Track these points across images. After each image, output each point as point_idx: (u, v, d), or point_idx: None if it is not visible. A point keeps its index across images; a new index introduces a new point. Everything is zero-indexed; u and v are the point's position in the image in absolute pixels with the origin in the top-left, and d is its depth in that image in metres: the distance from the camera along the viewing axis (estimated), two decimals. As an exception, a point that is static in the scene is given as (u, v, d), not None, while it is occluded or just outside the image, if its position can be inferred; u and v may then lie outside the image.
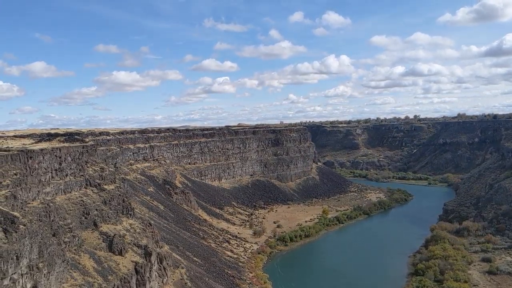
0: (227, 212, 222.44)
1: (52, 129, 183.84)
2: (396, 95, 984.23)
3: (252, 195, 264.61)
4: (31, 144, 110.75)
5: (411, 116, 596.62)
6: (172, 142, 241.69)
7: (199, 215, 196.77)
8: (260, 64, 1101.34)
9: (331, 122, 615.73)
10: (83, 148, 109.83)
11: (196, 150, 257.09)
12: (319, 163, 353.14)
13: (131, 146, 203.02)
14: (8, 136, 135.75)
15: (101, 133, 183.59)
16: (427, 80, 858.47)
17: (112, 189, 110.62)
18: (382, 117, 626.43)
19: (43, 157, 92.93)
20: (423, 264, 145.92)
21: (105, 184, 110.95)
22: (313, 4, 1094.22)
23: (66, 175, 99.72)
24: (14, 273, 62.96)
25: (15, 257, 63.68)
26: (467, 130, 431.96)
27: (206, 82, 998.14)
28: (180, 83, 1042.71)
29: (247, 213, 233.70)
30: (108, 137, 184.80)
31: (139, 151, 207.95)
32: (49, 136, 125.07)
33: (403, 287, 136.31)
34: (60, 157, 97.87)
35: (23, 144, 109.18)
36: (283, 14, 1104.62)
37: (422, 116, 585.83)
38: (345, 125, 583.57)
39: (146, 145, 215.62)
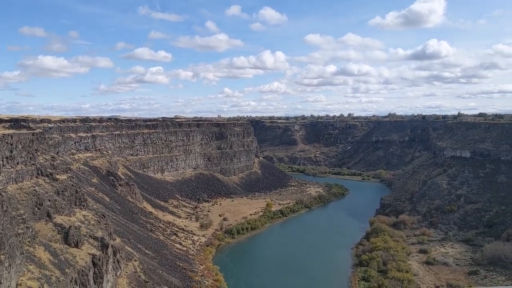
0: (172, 205, 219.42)
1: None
2: (327, 93, 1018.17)
3: (195, 188, 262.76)
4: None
5: (342, 114, 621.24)
6: (115, 132, 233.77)
7: (144, 207, 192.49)
8: (196, 56, 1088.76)
9: (270, 118, 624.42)
10: (33, 135, 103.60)
11: (139, 142, 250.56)
12: (260, 158, 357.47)
13: (73, 135, 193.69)
14: None
15: (42, 121, 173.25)
16: (356, 80, 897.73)
17: (65, 179, 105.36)
18: (315, 114, 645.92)
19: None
20: (367, 256, 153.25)
21: (57, 174, 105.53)
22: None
23: (17, 163, 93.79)
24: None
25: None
26: (398, 129, 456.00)
27: (138, 72, 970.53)
28: (110, 71, 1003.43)
29: (192, 206, 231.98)
30: (49, 125, 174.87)
31: (81, 141, 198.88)
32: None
33: (349, 277, 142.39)
34: (11, 144, 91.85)
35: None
36: (220, 6, 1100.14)
37: (354, 115, 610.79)
38: (284, 121, 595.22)
39: (88, 135, 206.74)
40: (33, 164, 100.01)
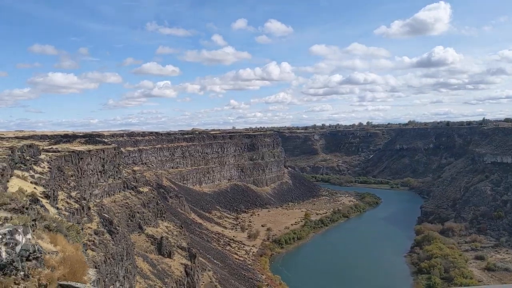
0: (216, 216, 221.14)
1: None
2: (333, 103, 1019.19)
3: (232, 199, 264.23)
4: (56, 145, 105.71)
5: (361, 123, 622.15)
6: (156, 146, 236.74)
7: (194, 219, 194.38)
8: (203, 69, 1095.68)
9: (289, 128, 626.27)
10: (114, 150, 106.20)
11: (178, 154, 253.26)
12: (289, 168, 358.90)
13: (123, 149, 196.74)
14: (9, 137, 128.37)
15: (96, 135, 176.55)
16: (362, 88, 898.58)
17: (147, 192, 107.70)
18: (319, 124, 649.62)
19: (91, 159, 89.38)
20: (426, 263, 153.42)
21: (140, 187, 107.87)
22: (256, 12, 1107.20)
23: (108, 177, 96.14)
24: (119, 275, 60.77)
25: (119, 258, 61.42)
26: (422, 137, 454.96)
27: (147, 86, 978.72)
28: (119, 86, 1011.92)
29: (233, 217, 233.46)
30: (99, 139, 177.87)
31: (129, 155, 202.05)
32: (67, 138, 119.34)
33: (412, 285, 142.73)
34: (103, 159, 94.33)
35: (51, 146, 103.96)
36: (227, 20, 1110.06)
37: (353, 123, 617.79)
38: (303, 130, 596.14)
39: (135, 149, 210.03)
40: (119, 177, 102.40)
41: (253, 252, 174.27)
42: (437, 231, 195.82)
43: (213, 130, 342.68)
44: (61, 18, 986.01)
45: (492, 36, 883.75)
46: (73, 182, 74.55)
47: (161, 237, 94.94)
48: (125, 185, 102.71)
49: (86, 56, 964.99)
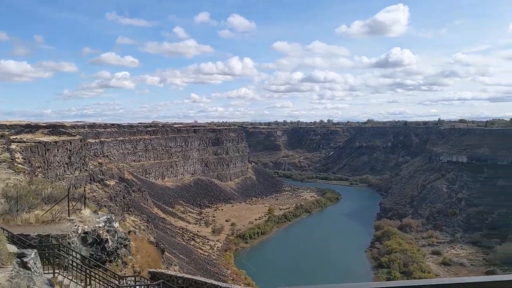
0: (179, 211, 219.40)
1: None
2: (294, 100, 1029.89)
3: (195, 194, 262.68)
4: (17, 135, 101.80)
5: (322, 120, 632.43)
6: (118, 138, 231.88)
7: (157, 213, 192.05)
8: (163, 62, 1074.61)
9: (252, 123, 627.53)
10: (81, 141, 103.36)
11: (140, 148, 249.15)
12: (253, 163, 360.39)
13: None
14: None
15: (60, 126, 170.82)
16: (322, 86, 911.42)
17: (114, 185, 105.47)
18: (280, 120, 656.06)
19: (58, 150, 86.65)
20: (386, 258, 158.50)
21: (106, 180, 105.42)
22: (219, 6, 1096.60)
23: (75, 169, 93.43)
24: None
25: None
26: (381, 135, 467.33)
27: (104, 77, 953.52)
28: (75, 76, 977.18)
29: (196, 212, 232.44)
30: (63, 130, 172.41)
31: (91, 147, 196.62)
32: (29, 128, 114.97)
33: (373, 279, 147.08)
34: (70, 151, 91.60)
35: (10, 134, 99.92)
36: (189, 13, 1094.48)
37: (313, 120, 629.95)
38: (266, 126, 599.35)
39: (97, 140, 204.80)
40: (86, 170, 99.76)
41: (217, 247, 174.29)
42: (395, 227, 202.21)
43: (177, 123, 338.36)
44: (15, 2, 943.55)
45: (447, 39, 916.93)
46: (40, 174, 72.19)
47: (129, 231, 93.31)
48: (92, 178, 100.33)
49: (41, 44, 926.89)
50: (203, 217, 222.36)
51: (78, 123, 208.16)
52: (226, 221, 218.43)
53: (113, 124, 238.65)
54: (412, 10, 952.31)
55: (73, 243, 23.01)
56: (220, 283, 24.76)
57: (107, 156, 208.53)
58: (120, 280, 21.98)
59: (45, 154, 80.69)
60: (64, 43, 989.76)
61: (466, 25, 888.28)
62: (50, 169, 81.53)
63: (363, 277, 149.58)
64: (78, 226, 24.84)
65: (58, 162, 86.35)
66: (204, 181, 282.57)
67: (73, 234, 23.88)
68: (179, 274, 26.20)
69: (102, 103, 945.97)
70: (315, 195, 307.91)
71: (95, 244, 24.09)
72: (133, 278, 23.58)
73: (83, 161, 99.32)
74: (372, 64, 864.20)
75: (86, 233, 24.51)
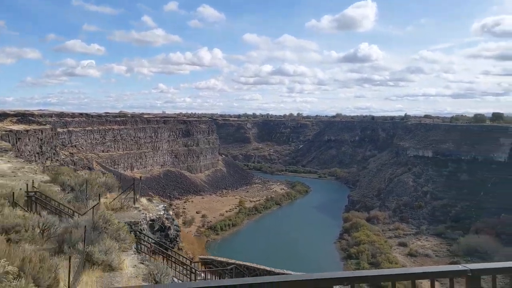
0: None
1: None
2: (263, 92, 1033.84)
3: (165, 186, 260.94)
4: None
5: (292, 113, 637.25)
6: (87, 128, 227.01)
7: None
8: (131, 50, 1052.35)
9: (221, 115, 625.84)
10: (52, 131, 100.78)
11: (109, 138, 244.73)
12: (223, 155, 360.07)
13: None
14: None
15: (29, 115, 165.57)
16: (292, 80, 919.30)
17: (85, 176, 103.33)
18: (250, 113, 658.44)
19: (29, 139, 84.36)
20: (355, 249, 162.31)
21: (78, 170, 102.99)
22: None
23: (46, 159, 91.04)
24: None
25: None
26: (349, 129, 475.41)
27: (69, 64, 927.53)
28: (39, 63, 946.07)
29: (167, 204, 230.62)
30: (33, 119, 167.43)
31: (59, 136, 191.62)
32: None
33: (343, 269, 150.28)
34: (41, 140, 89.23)
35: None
36: (158, 2, 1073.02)
37: (283, 114, 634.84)
38: (236, 118, 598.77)
39: (65, 130, 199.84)
40: (57, 160, 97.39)
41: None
42: (363, 219, 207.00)
43: (145, 114, 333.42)
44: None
45: (413, 36, 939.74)
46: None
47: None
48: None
49: (3, 29, 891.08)
50: (173, 209, 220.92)
51: (46, 112, 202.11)
52: (197, 213, 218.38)
53: (81, 114, 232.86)
54: (380, 7, 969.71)
55: (143, 230, 25.04)
56: (272, 269, 27.17)
57: (75, 146, 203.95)
58: (192, 264, 24.65)
59: (16, 143, 78.29)
60: (28, 29, 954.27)
61: (432, 23, 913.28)
62: (22, 158, 79.16)
63: (332, 268, 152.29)
64: (145, 214, 27.06)
65: (29, 152, 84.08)
66: (174, 172, 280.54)
67: (143, 221, 26.03)
68: (230, 260, 28.87)
69: (67, 91, 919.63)
70: (285, 187, 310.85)
71: (159, 231, 26.57)
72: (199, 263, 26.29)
73: (54, 151, 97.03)
74: (341, 58, 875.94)
75: (152, 220, 27.13)
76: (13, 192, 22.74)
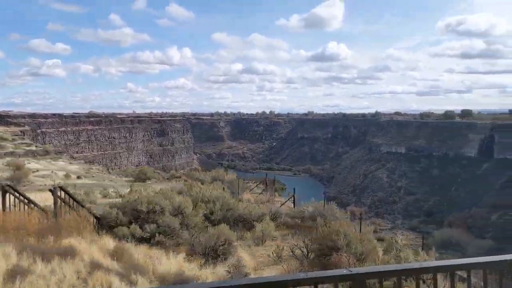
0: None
1: None
2: (233, 91, 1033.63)
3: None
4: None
5: (265, 111, 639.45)
6: (60, 129, 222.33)
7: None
8: (98, 50, 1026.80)
9: (194, 114, 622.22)
10: (33, 132, 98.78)
11: (83, 138, 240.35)
12: (198, 154, 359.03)
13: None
14: None
15: (5, 116, 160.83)
16: (262, 78, 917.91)
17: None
18: (221, 111, 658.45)
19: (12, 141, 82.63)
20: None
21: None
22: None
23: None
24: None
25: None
26: (321, 127, 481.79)
27: (33, 64, 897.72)
28: (1, 62, 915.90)
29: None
30: (10, 120, 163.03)
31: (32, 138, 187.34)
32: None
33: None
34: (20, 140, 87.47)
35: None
36: (126, 0, 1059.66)
37: (254, 112, 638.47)
38: (209, 117, 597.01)
39: (38, 131, 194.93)
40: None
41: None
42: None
43: (116, 113, 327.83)
44: None
45: (380, 35, 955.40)
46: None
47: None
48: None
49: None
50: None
51: (17, 113, 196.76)
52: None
53: (54, 114, 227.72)
54: (348, 6, 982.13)
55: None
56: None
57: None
58: None
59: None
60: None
61: (398, 22, 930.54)
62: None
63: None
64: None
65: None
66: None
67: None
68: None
69: (31, 91, 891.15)
70: (261, 185, 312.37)
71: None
72: None
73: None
74: (309, 57, 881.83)
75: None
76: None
